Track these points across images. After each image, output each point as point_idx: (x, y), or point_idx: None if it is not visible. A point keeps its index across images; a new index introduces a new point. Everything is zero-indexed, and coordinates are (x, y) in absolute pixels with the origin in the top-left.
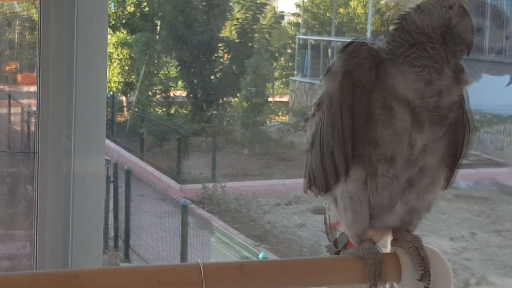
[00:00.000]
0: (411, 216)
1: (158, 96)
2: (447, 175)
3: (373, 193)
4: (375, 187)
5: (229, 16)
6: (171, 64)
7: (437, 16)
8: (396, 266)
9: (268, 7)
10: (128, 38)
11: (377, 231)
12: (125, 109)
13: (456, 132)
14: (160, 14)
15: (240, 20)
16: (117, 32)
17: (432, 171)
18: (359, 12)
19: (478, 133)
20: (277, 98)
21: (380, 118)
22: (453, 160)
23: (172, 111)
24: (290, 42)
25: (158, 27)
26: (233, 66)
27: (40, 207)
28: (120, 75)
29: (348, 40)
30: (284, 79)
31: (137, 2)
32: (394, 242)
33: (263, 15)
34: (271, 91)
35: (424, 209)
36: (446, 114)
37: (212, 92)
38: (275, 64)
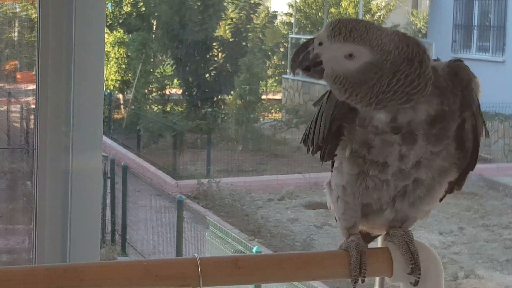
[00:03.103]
0: (407, 222)
1: (154, 94)
2: (456, 179)
3: (364, 191)
4: (366, 186)
5: (223, 16)
6: (166, 63)
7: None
8: (388, 261)
9: (261, 7)
10: (124, 37)
11: (368, 227)
12: (122, 106)
13: (464, 139)
14: (156, 14)
15: (234, 19)
16: (114, 32)
17: (429, 184)
18: (350, 11)
19: None
20: (270, 96)
21: (372, 124)
22: (464, 164)
23: (168, 109)
24: (282, 41)
25: (154, 27)
26: (227, 65)
27: (39, 202)
28: (117, 74)
29: None
30: (277, 77)
31: (134, 2)
32: (386, 237)
33: (256, 14)
34: (264, 89)
35: (420, 217)
36: (444, 126)
37: (207, 90)
38: (268, 62)
